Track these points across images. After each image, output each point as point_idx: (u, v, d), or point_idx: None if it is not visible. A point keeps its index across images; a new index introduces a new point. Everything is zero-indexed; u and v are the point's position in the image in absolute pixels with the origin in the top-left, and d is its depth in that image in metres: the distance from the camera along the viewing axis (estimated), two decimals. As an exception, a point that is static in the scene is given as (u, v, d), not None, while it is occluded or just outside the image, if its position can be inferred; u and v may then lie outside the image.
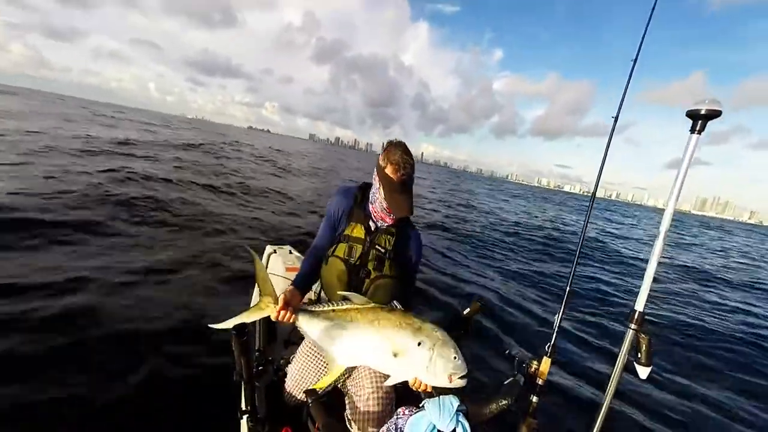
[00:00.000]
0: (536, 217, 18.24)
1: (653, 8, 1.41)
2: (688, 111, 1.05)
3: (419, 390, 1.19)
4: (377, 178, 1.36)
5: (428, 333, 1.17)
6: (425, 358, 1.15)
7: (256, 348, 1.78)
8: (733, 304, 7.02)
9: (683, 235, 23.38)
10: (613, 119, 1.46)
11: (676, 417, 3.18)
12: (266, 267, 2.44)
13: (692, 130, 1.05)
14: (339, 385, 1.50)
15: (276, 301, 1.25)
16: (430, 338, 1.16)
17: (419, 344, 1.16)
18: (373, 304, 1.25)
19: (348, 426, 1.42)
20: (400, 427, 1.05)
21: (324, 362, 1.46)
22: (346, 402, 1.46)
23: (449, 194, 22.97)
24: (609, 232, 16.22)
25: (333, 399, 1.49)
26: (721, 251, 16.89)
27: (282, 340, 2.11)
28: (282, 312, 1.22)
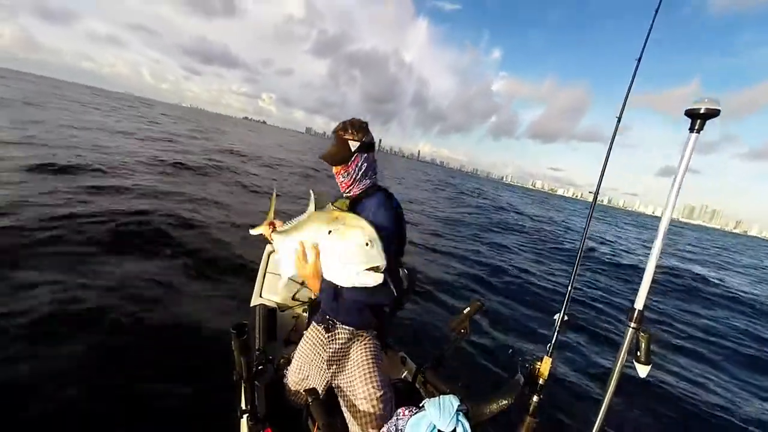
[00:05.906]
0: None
1: (658, 7, 1.41)
2: (686, 110, 1.05)
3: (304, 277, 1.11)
4: None
5: (344, 220, 1.00)
6: (336, 248, 0.97)
7: (256, 347, 1.78)
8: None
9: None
10: (617, 119, 1.47)
11: (676, 415, 3.19)
12: (266, 266, 2.45)
13: (691, 129, 1.05)
14: (333, 386, 1.48)
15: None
16: (346, 225, 0.98)
17: (330, 232, 0.99)
18: (332, 209, 1.22)
19: (347, 427, 1.41)
20: (401, 428, 1.04)
21: (323, 360, 1.46)
22: (342, 405, 1.43)
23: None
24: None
25: (333, 398, 1.49)
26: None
27: (282, 339, 2.11)
28: (266, 228, 1.47)
